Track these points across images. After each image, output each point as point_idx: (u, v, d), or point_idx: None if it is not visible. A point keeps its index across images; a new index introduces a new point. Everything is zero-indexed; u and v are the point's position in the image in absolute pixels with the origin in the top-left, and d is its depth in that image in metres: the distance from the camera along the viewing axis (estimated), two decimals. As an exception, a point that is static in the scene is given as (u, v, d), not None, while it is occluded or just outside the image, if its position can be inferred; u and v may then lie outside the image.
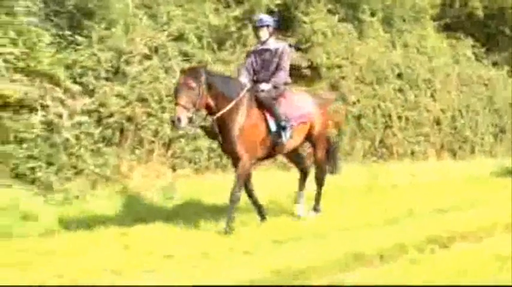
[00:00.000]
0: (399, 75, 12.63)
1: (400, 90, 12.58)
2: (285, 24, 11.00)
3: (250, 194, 6.97)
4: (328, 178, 10.17)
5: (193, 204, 8.14)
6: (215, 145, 8.34)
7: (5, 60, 7.09)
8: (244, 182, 6.74)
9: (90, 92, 8.07)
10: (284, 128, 6.73)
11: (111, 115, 8.16)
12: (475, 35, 14.94)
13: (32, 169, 7.29)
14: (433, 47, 13.63)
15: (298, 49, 11.03)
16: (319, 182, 7.81)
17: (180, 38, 9.26)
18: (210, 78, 6.43)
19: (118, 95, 8.26)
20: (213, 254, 5.21)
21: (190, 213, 7.32)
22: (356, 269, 4.77)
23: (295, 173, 8.08)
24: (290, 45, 9.69)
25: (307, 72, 11.00)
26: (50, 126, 7.54)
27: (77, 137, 7.73)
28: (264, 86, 6.87)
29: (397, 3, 12.68)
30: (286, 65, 7.13)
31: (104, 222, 6.65)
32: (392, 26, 12.91)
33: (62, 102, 7.67)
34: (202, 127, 6.84)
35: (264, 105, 6.74)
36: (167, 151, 8.81)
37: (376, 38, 12.38)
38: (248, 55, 7.34)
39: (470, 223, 6.33)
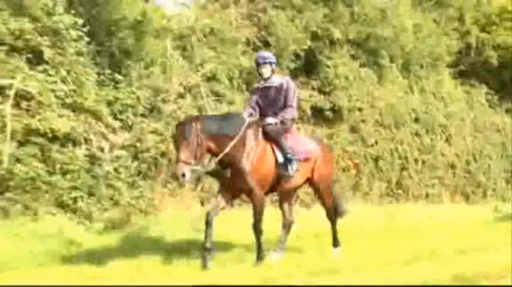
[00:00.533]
0: (416, 120, 13.17)
1: (417, 134, 13.09)
2: (309, 67, 11.61)
3: (209, 225, 6.57)
4: (347, 218, 10.69)
5: (220, 236, 8.57)
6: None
7: (56, 97, 7.63)
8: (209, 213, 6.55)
9: (128, 128, 8.60)
10: (290, 161, 6.70)
11: (147, 150, 8.67)
12: (489, 82, 15.48)
13: (75, 198, 7.77)
14: (449, 93, 14.18)
15: (320, 91, 11.57)
16: (332, 222, 7.71)
17: (212, 78, 9.82)
18: (207, 125, 6.37)
19: (154, 131, 8.79)
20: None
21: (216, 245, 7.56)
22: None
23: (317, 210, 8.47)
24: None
25: (330, 114, 11.50)
26: (92, 159, 8.04)
27: (116, 170, 8.22)
28: (271, 120, 6.87)
29: (416, 50, 13.25)
30: (293, 101, 7.07)
31: (142, 251, 7.07)
32: (410, 71, 13.48)
33: (104, 136, 8.19)
34: (210, 173, 6.88)
35: (271, 138, 6.73)
36: (197, 186, 9.27)
37: (394, 83, 12.94)
38: (252, 92, 7.35)
39: (492, 263, 6.72)
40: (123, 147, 8.38)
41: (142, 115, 8.73)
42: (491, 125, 15.17)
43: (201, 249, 6.41)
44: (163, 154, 8.80)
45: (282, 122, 6.90)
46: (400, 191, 12.69)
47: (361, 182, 11.99)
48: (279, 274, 6.05)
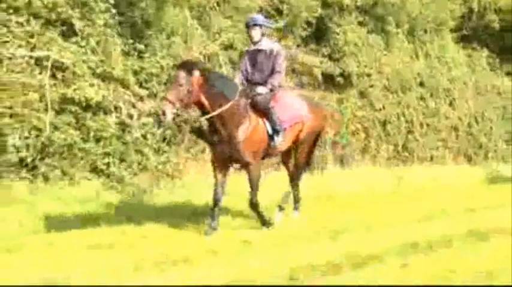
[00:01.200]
0: (421, 84, 13.71)
1: (422, 98, 13.66)
2: (319, 35, 12.05)
3: (216, 203, 6.74)
4: (358, 180, 11.34)
5: (241, 198, 9.16)
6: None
7: (88, 67, 8.09)
8: (217, 192, 6.72)
9: (153, 96, 9.08)
10: (278, 132, 6.77)
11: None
12: (490, 46, 15.99)
13: (107, 164, 8.31)
14: (452, 58, 14.68)
15: (330, 58, 12.05)
16: (295, 183, 7.82)
17: (229, 47, 10.27)
18: (205, 75, 6.34)
19: (177, 99, 9.24)
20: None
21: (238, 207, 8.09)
22: (411, 255, 5.74)
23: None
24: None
25: (340, 80, 12.00)
26: (122, 126, 8.55)
27: (144, 137, 8.75)
28: (261, 90, 6.86)
29: (421, 16, 13.70)
30: (281, 67, 7.05)
31: (173, 212, 7.68)
32: (415, 37, 13.95)
33: (132, 104, 8.68)
34: (192, 131, 7.10)
35: (261, 109, 6.75)
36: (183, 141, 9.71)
37: (400, 48, 13.43)
38: (242, 56, 7.36)
39: (502, 220, 7.37)
40: (149, 114, 8.85)
41: (165, 84, 9.18)
42: (492, 88, 15.75)
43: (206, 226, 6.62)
44: (186, 121, 9.28)
45: (271, 90, 6.92)
46: (406, 154, 13.30)
47: (370, 145, 12.58)
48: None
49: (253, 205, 6.80)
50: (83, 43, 8.19)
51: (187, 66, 6.33)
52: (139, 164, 8.75)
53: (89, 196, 7.79)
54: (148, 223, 7.11)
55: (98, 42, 8.34)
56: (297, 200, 7.90)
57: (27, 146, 7.46)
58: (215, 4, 10.32)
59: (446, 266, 5.17)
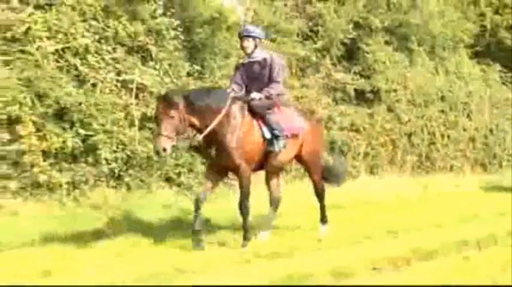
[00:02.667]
0: (442, 98, 15.08)
1: (443, 111, 15.01)
2: (351, 54, 13.37)
3: (198, 207, 6.91)
4: (388, 188, 12.62)
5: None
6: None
7: (162, 88, 9.35)
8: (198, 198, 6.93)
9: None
10: (277, 137, 6.88)
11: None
12: (503, 61, 17.40)
13: (178, 174, 9.56)
14: (469, 73, 16.06)
15: (361, 75, 13.34)
16: (320, 197, 8.06)
17: (275, 67, 11.55)
18: (190, 99, 6.53)
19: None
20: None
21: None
22: (467, 251, 7.00)
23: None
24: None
25: (370, 95, 13.32)
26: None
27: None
28: (255, 95, 7.03)
29: (441, 34, 15.06)
30: (278, 76, 7.19)
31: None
32: (436, 54, 15.31)
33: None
34: (191, 147, 7.12)
35: (258, 114, 6.91)
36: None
37: (423, 65, 14.78)
38: (236, 69, 7.49)
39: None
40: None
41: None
42: (505, 101, 17.11)
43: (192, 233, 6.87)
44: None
45: (267, 97, 7.07)
46: (428, 164, 14.64)
47: (396, 156, 13.91)
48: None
49: (243, 207, 6.88)
50: (157, 66, 9.43)
51: (171, 97, 6.48)
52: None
53: (166, 203, 8.99)
54: (223, 226, 8.33)
55: (169, 65, 9.58)
56: (323, 215, 8.05)
57: (116, 158, 8.68)
58: (262, 28, 11.57)
59: (503, 259, 6.41)
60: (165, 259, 6.27)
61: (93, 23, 8.71)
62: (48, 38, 8.15)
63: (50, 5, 8.30)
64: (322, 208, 8.02)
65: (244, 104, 6.95)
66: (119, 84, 8.85)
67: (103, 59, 8.73)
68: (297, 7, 13.06)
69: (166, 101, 6.44)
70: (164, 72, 9.56)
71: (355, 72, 13.27)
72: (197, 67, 10.27)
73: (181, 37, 9.81)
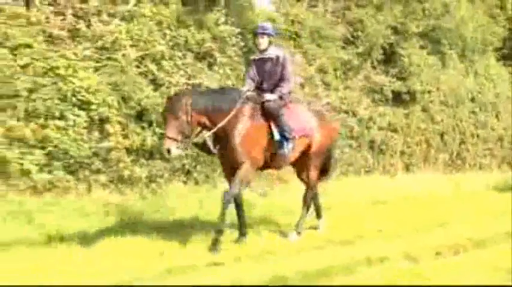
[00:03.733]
0: (472, 99, 16.08)
1: (473, 112, 16.02)
2: (388, 57, 14.34)
3: (238, 208, 7.32)
4: (423, 185, 13.59)
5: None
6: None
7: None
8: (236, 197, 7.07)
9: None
10: (287, 139, 7.00)
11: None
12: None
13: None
14: (497, 75, 17.04)
15: (398, 78, 14.32)
16: (306, 203, 8.02)
17: (321, 70, 12.60)
18: (198, 101, 6.62)
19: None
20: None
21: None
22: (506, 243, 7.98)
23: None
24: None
25: (406, 97, 14.31)
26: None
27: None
28: (270, 96, 7.12)
29: (472, 38, 16.03)
30: (290, 74, 7.33)
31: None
32: (466, 57, 16.28)
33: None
34: (195, 144, 7.15)
35: (271, 115, 7.01)
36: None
37: (454, 68, 15.76)
38: (249, 64, 7.63)
39: None
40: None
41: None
42: (531, 101, 18.09)
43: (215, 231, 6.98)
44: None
45: (280, 97, 7.19)
46: (459, 162, 15.64)
47: (430, 154, 14.91)
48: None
49: (227, 199, 6.81)
50: (221, 71, 10.46)
51: (180, 97, 6.61)
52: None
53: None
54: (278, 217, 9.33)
55: (230, 70, 10.61)
56: (299, 224, 8.00)
57: (186, 155, 9.71)
58: (309, 35, 12.59)
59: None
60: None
61: (167, 31, 9.73)
62: (131, 46, 9.16)
63: (132, 17, 9.30)
64: (302, 215, 7.99)
65: (256, 104, 7.04)
66: (189, 87, 9.85)
67: (175, 64, 9.76)
68: (337, 13, 14.02)
69: (173, 102, 6.52)
70: (226, 76, 10.56)
71: (392, 75, 14.23)
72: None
73: (241, 43, 10.78)
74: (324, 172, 8.19)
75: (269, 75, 7.30)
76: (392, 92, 14.16)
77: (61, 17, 8.60)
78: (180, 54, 9.91)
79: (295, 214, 8.32)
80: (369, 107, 13.53)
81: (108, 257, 6.40)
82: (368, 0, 14.12)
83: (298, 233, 7.78)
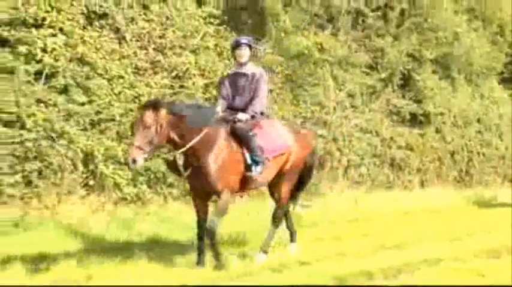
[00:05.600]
0: (478, 120, 17.91)
1: (479, 132, 17.86)
2: (405, 82, 16.07)
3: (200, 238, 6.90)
4: (437, 199, 15.32)
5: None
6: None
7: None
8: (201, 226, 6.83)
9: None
10: (257, 163, 6.74)
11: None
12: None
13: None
14: (500, 97, 18.92)
15: (414, 101, 16.05)
16: (276, 221, 7.63)
17: (350, 95, 14.29)
18: (173, 111, 6.38)
19: (320, 136, 13.21)
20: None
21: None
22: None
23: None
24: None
25: (422, 118, 16.07)
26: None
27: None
28: (242, 116, 6.89)
29: (478, 64, 17.89)
30: (263, 92, 7.10)
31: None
32: (472, 81, 18.13)
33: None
34: (165, 161, 7.24)
35: (241, 138, 6.77)
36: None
37: (462, 91, 17.58)
38: (222, 82, 7.40)
39: None
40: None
41: (314, 124, 13.12)
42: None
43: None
44: (328, 153, 13.22)
45: (252, 117, 6.98)
46: (467, 178, 17.44)
47: (442, 172, 16.67)
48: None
49: (210, 232, 6.59)
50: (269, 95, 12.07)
51: (152, 105, 6.33)
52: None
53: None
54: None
55: (277, 95, 12.24)
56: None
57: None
58: (337, 62, 14.28)
59: None
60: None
61: (227, 61, 11.32)
62: (198, 75, 10.74)
63: (199, 50, 10.89)
64: (271, 234, 7.61)
65: (227, 125, 6.84)
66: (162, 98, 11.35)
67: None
68: (358, 42, 15.73)
69: (145, 110, 6.29)
70: (274, 101, 12.18)
71: (409, 98, 15.97)
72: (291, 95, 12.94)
73: (285, 71, 12.44)
74: (299, 187, 8.00)
75: (242, 91, 7.10)
76: (409, 113, 15.87)
77: (145, 51, 10.11)
78: (237, 82, 11.49)
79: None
80: (389, 127, 15.21)
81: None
82: (386, 29, 15.81)
83: (265, 252, 7.43)
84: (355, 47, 15.21)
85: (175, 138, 6.41)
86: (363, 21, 15.33)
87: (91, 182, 9.39)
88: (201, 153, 6.47)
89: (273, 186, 7.56)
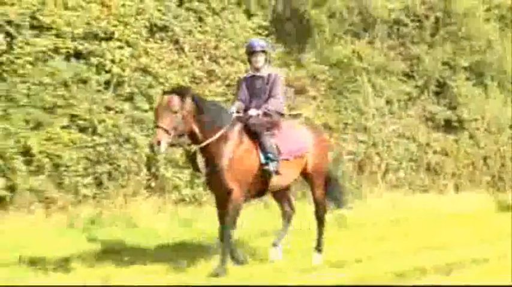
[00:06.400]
0: (510, 127, 18.45)
1: (511, 138, 18.40)
2: (440, 89, 16.68)
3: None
4: (471, 203, 15.92)
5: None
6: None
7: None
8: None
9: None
10: (272, 160, 6.78)
11: (354, 153, 13.79)
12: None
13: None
14: (531, 103, 19.46)
15: (449, 107, 16.67)
16: (320, 220, 7.85)
17: (388, 101, 14.97)
18: (197, 103, 6.49)
19: (361, 142, 13.90)
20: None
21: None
22: None
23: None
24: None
25: (456, 124, 16.68)
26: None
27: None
28: (253, 112, 7.01)
29: (509, 71, 18.45)
30: (279, 92, 7.18)
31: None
32: (504, 87, 18.68)
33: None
34: (186, 154, 7.13)
35: (254, 133, 6.85)
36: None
37: (495, 98, 18.15)
38: (239, 83, 7.54)
39: None
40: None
41: (355, 130, 13.80)
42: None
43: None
44: (368, 157, 13.91)
45: (265, 114, 7.07)
46: (500, 183, 18.01)
47: (475, 176, 17.27)
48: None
49: (225, 235, 6.71)
50: (313, 102, 12.83)
51: (180, 92, 6.45)
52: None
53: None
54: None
55: (321, 102, 12.98)
56: (319, 242, 7.92)
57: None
58: (376, 70, 14.96)
59: None
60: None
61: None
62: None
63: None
64: (320, 234, 7.86)
65: (243, 125, 6.93)
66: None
67: (281, 99, 12.10)
68: (394, 50, 16.38)
69: (174, 95, 6.34)
70: (318, 107, 12.92)
71: (443, 105, 16.59)
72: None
73: (329, 79, 13.18)
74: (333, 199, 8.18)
75: (258, 94, 7.22)
76: (444, 120, 16.50)
77: (201, 61, 10.90)
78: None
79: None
80: (425, 133, 15.85)
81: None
82: (420, 37, 16.45)
83: (319, 251, 7.80)
84: (391, 55, 15.88)
85: (197, 131, 6.51)
86: (398, 29, 15.97)
87: (153, 184, 10.14)
88: (216, 152, 6.57)
89: (311, 192, 7.84)
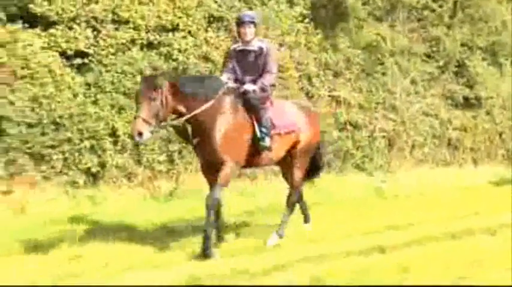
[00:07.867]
0: (526, 103, 19.82)
1: (526, 114, 19.77)
2: (458, 68, 17.97)
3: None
4: (487, 176, 17.26)
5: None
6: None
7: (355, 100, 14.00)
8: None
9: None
10: (266, 135, 6.85)
11: (383, 130, 15.09)
12: None
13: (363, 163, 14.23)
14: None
15: (467, 85, 17.97)
16: (290, 205, 7.82)
17: (412, 82, 16.25)
18: (176, 84, 6.44)
19: (389, 119, 15.20)
20: None
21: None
22: None
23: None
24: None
25: (474, 102, 18.00)
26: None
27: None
28: (249, 87, 6.96)
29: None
30: (273, 66, 7.16)
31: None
32: (518, 66, 20.02)
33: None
34: (173, 127, 7.08)
35: (251, 108, 6.89)
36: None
37: (509, 76, 19.46)
38: (229, 56, 7.37)
39: None
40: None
41: (385, 109, 15.10)
42: None
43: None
44: (397, 134, 15.22)
45: (262, 89, 7.07)
46: (513, 156, 19.43)
47: (492, 151, 18.64)
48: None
49: (211, 203, 6.65)
50: (348, 84, 14.10)
51: (153, 78, 6.44)
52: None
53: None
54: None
55: (354, 82, 14.26)
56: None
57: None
58: (400, 52, 16.22)
59: None
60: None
61: (315, 55, 13.32)
62: (294, 68, 12.75)
63: (290, 45, 12.92)
64: (285, 219, 7.80)
65: (237, 96, 6.95)
66: (329, 98, 13.50)
67: (321, 81, 13.36)
68: (414, 32, 17.62)
69: (148, 82, 6.32)
70: (353, 88, 14.19)
71: (462, 84, 17.88)
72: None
73: (361, 62, 14.44)
74: (312, 170, 8.24)
75: (251, 68, 7.17)
76: (463, 98, 17.81)
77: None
78: (322, 72, 13.51)
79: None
80: (447, 111, 17.16)
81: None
82: (440, 20, 17.69)
83: (280, 236, 7.62)
84: (412, 38, 17.13)
85: (181, 109, 6.55)
86: (417, 12, 17.22)
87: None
88: (207, 123, 6.58)
89: (286, 170, 7.87)
